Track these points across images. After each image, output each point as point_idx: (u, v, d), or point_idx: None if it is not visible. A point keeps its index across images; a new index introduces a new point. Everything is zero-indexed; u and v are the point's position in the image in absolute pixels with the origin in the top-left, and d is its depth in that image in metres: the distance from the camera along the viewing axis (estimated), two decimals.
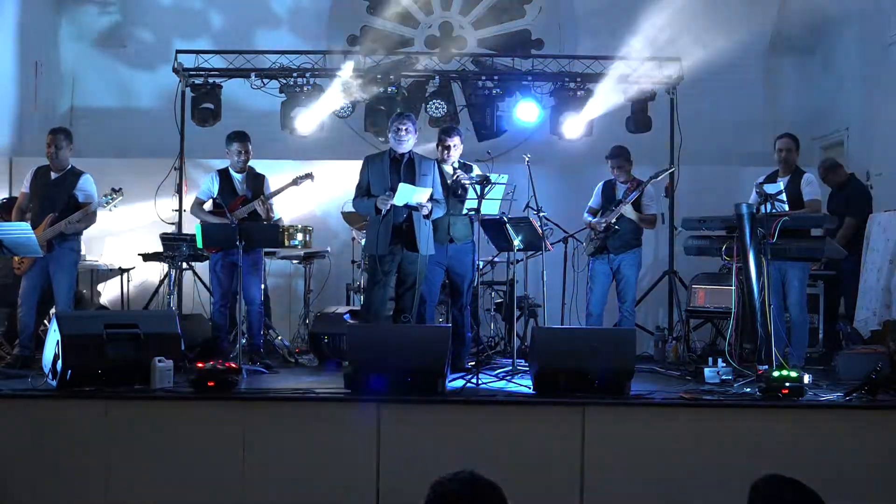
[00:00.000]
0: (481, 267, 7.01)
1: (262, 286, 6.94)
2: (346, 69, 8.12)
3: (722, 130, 9.42)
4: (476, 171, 6.30)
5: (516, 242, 6.24)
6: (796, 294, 6.15)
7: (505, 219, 6.20)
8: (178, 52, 8.38)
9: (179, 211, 8.07)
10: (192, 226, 6.90)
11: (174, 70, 8.25)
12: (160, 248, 7.43)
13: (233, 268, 6.25)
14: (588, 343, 5.22)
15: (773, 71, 10.12)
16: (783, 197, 5.83)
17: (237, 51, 8.47)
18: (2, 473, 4.81)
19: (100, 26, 10.01)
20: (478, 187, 5.78)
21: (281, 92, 8.26)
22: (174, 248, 7.27)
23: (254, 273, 6.54)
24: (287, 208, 7.68)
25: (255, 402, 5.09)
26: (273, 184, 6.75)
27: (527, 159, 6.78)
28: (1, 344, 6.54)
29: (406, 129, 6.01)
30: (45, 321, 6.59)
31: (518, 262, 6.88)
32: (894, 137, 8.04)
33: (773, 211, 5.63)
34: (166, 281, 7.64)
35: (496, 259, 7.38)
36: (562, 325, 7.43)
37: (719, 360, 5.76)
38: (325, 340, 6.71)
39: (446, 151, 6.36)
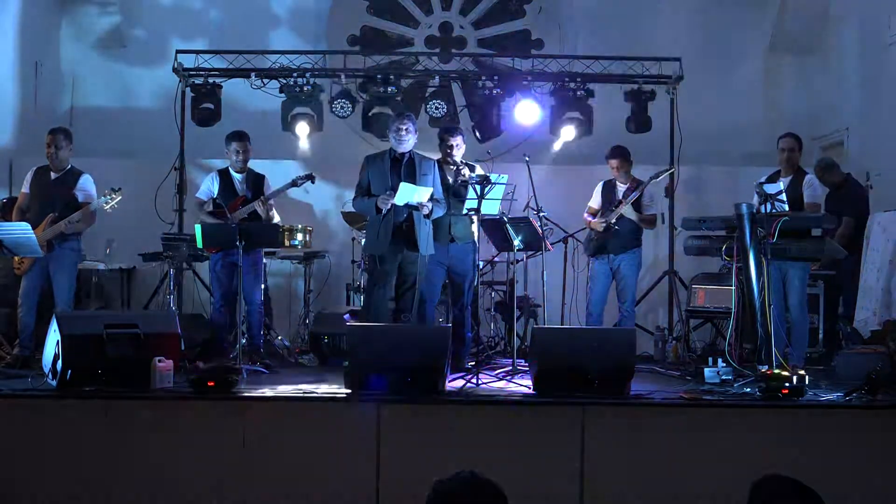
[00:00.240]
0: (481, 267, 7.01)
1: (263, 286, 6.94)
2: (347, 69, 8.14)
3: (722, 130, 9.40)
4: (479, 170, 6.31)
5: (516, 242, 6.24)
6: (797, 294, 6.13)
7: (505, 219, 6.20)
8: (178, 52, 8.39)
9: (179, 211, 8.07)
10: (192, 226, 6.90)
11: (174, 70, 8.25)
12: (160, 248, 7.43)
13: (233, 268, 6.26)
14: (588, 343, 5.22)
15: (773, 71, 10.10)
16: (783, 197, 5.82)
17: (237, 51, 8.46)
18: (2, 473, 4.80)
19: (100, 27, 9.98)
20: (478, 187, 5.78)
21: (281, 92, 8.25)
22: (174, 248, 7.27)
23: (254, 273, 6.54)
24: (287, 208, 7.67)
25: (255, 402, 5.08)
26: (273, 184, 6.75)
27: (527, 159, 6.79)
28: (1, 344, 6.54)
29: (406, 129, 6.02)
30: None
31: (518, 262, 6.88)
32: (894, 137, 8.03)
33: (773, 211, 5.63)
34: (166, 281, 7.64)
35: (496, 259, 7.38)
36: (562, 325, 7.44)
37: (719, 360, 5.75)
38: (325, 340, 6.73)
39: (449, 150, 6.37)
